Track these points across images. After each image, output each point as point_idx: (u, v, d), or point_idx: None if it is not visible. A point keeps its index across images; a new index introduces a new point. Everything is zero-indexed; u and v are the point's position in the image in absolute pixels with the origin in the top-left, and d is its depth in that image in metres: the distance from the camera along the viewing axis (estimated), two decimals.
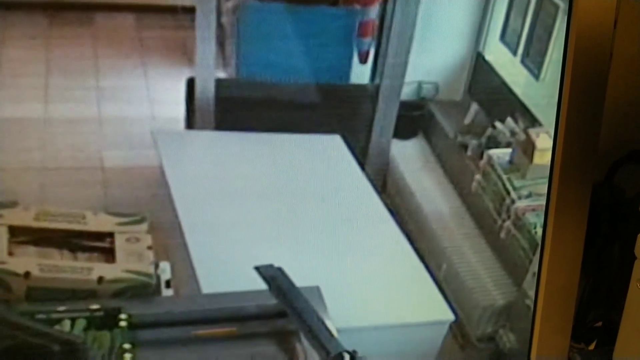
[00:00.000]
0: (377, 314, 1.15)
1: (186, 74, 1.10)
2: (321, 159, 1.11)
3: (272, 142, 1.11)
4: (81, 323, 1.08)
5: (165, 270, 1.14)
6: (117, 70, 1.06)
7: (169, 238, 1.14)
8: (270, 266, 1.12)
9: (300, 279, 1.13)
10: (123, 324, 1.09)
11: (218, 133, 1.11)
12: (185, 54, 1.08)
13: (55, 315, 1.07)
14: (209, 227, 1.15)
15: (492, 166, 1.14)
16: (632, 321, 0.98)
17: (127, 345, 1.07)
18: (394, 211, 1.15)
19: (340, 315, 1.14)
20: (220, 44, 1.09)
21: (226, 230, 1.15)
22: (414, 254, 1.15)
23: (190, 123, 1.12)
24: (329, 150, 1.11)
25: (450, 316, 1.15)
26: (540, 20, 1.07)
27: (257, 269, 1.13)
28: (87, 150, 1.09)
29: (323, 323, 1.12)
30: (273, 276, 1.13)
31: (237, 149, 1.13)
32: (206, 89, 1.10)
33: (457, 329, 1.20)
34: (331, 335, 1.11)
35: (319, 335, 1.11)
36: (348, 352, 1.09)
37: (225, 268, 1.15)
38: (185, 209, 1.13)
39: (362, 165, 1.12)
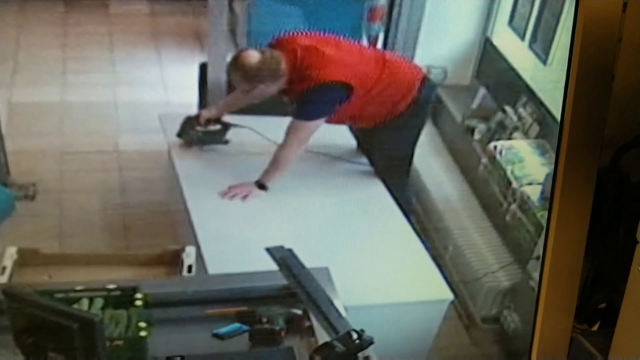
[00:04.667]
0: (380, 293, 1.17)
1: (199, 59, 1.12)
2: (324, 143, 1.13)
3: (276, 125, 1.12)
4: (99, 302, 1.10)
5: (190, 254, 1.15)
6: (132, 56, 1.08)
7: (183, 220, 1.17)
8: (281, 247, 1.14)
9: (305, 259, 1.15)
10: (139, 302, 1.11)
11: (225, 116, 1.13)
12: (198, 40, 1.10)
13: (73, 295, 1.10)
14: (216, 210, 1.17)
15: (495, 158, 1.15)
16: (632, 304, 0.99)
17: (142, 324, 1.09)
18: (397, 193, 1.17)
19: (345, 294, 1.16)
20: (232, 30, 1.10)
21: (232, 213, 1.17)
22: (415, 237, 1.17)
23: (203, 107, 1.14)
24: (332, 134, 1.13)
25: (449, 295, 1.18)
26: (549, 5, 1.08)
27: (269, 250, 1.15)
28: (103, 134, 1.12)
29: (332, 303, 1.14)
30: (283, 257, 1.14)
31: (243, 132, 1.15)
32: (218, 74, 1.12)
33: (462, 309, 1.22)
34: (340, 315, 1.13)
35: (328, 315, 1.13)
36: (356, 331, 1.11)
37: (231, 249, 1.17)
38: (193, 191, 1.15)
39: (360, 145, 1.14)
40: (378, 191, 1.15)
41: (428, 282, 1.17)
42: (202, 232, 1.15)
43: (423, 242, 1.17)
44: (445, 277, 1.15)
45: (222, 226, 1.17)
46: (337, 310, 1.14)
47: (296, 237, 1.15)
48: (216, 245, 1.16)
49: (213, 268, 1.15)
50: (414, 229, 1.17)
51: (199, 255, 1.14)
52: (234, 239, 1.17)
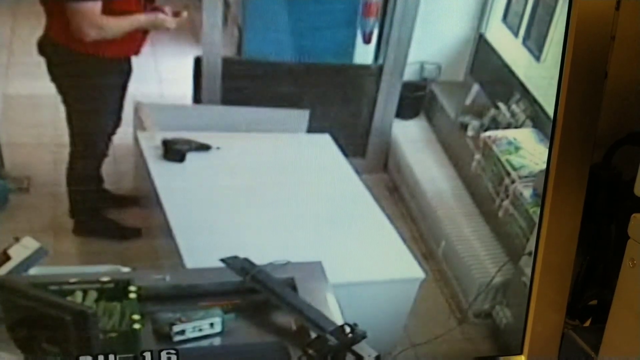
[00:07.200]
0: (357, 272, 1.18)
1: (194, 52, 1.12)
2: (297, 134, 1.14)
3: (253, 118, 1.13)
4: (92, 294, 1.11)
5: (29, 246, 1.09)
6: None
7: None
8: (235, 257, 1.13)
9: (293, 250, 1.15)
10: (132, 295, 1.12)
11: (206, 107, 1.13)
12: (193, 33, 1.09)
13: (67, 287, 1.10)
14: (191, 204, 1.17)
15: (491, 148, 1.16)
16: (623, 299, 0.99)
17: (136, 316, 1.10)
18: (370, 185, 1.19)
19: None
20: (227, 23, 1.11)
21: (208, 208, 1.17)
22: (389, 224, 1.19)
23: (197, 101, 1.14)
24: (300, 123, 1.14)
25: (420, 274, 1.20)
26: (543, 2, 1.08)
27: (224, 260, 1.13)
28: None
29: (311, 306, 1.13)
30: (244, 267, 1.13)
31: (218, 123, 1.15)
32: (213, 68, 1.12)
33: (455, 305, 1.22)
34: (321, 314, 1.13)
35: (312, 317, 1.12)
36: (349, 325, 1.11)
37: (209, 243, 1.16)
38: (166, 184, 1.15)
39: (337, 141, 1.14)
40: (350, 178, 1.16)
41: (400, 262, 1.20)
42: (176, 224, 1.15)
43: (395, 227, 1.19)
44: (416, 258, 1.19)
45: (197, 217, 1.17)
46: (318, 311, 1.13)
47: (272, 224, 1.15)
48: (192, 238, 1.15)
49: (191, 262, 1.14)
50: (388, 216, 1.19)
51: (176, 249, 1.14)
52: (210, 231, 1.17)
